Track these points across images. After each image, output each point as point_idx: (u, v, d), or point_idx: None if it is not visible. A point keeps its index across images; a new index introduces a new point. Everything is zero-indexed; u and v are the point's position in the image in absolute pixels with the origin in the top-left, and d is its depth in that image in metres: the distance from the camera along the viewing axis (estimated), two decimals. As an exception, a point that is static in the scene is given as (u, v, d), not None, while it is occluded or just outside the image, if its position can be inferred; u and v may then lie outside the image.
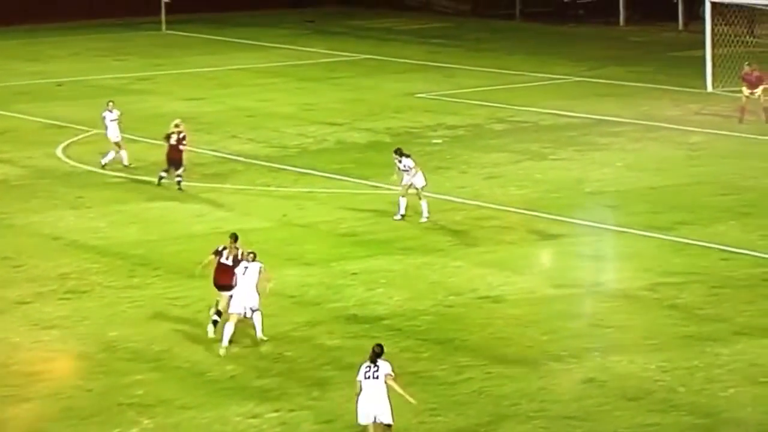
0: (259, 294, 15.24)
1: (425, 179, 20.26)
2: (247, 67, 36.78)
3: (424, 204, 20.05)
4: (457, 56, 37.87)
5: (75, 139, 27.14)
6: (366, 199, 21.60)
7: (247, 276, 15.32)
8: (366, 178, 22.99)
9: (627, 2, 45.46)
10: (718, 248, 18.56)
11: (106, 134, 24.62)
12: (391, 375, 12.51)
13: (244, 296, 15.29)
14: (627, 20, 45.05)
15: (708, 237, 19.11)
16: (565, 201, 21.40)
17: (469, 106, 30.17)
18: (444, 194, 21.73)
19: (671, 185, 22.41)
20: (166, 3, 43.61)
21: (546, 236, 19.45)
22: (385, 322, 15.92)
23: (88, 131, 27.47)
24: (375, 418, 12.45)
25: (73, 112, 30.05)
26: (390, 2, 49.89)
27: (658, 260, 18.02)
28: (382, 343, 12.74)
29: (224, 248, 15.82)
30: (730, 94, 29.35)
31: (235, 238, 15.85)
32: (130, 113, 29.80)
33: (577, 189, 22.29)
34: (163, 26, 44.13)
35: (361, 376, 12.61)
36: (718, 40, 31.27)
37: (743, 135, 26.34)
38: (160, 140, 23.52)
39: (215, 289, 15.61)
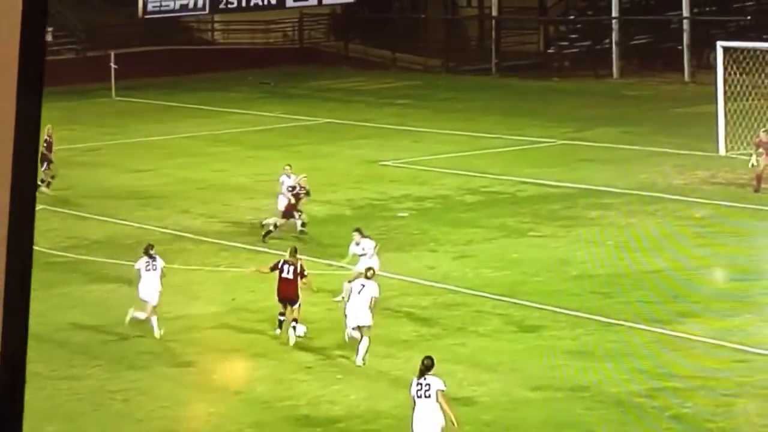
0: (371, 314, 16.60)
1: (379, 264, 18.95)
2: (198, 134, 36.41)
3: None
4: (426, 118, 36.78)
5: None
6: (324, 281, 20.64)
7: (362, 295, 16.73)
8: (324, 257, 21.98)
9: (621, 51, 42.24)
10: (730, 346, 16.44)
11: None
12: (442, 391, 13.13)
13: (357, 314, 16.74)
14: (621, 71, 42.13)
15: (718, 333, 16.93)
16: (547, 286, 19.86)
17: (439, 174, 28.90)
18: (410, 276, 20.78)
19: (673, 268, 19.92)
20: (115, 69, 43.42)
21: (524, 327, 18.03)
22: (340, 424, 15.10)
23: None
24: None
25: (15, 187, 29.51)
26: (353, 60, 49.79)
27: (658, 360, 16.05)
28: (432, 357, 13.22)
29: (285, 262, 17.44)
30: (746, 157, 25.83)
31: (294, 250, 17.81)
32: (76, 188, 29.44)
33: (560, 271, 20.58)
34: (113, 93, 43.89)
35: (413, 392, 13.26)
36: (732, 92, 27.46)
37: (761, 207, 23.55)
38: (104, 217, 23.07)
39: (280, 304, 17.62)
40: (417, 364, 13.90)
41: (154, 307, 18.19)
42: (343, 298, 18.46)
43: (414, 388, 13.17)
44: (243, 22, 50.77)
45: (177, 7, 37.64)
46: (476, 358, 16.90)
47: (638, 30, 44.98)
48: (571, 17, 48.27)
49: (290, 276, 17.40)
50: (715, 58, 29.62)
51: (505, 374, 16.23)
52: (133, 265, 19.15)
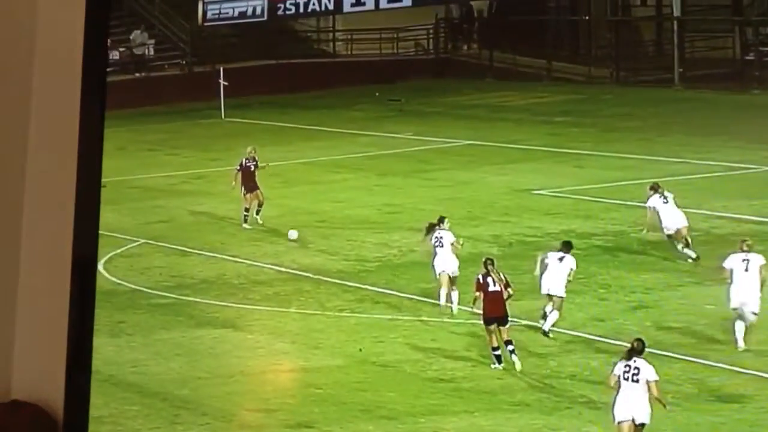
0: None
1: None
2: (317, 159, 36.58)
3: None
4: (591, 138, 35.99)
5: (118, 251, 27.07)
6: (465, 331, 20.42)
7: (563, 264, 19.54)
8: (466, 303, 21.15)
9: None
10: None
11: None
12: (656, 381, 14.48)
13: (552, 284, 19.70)
14: None
15: None
16: (752, 345, 18.84)
17: (608, 206, 27.97)
18: (573, 329, 20.21)
19: None
20: (224, 85, 44.08)
21: (723, 396, 17.21)
22: None
23: (134, 241, 27.45)
24: (633, 419, 14.32)
25: (116, 219, 30.01)
26: (499, 71, 49.49)
27: None
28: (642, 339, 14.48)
29: (486, 274, 18.29)
30: None
31: (491, 261, 18.77)
32: (177, 219, 29.84)
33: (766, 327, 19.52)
34: (222, 112, 44.55)
35: (619, 373, 14.57)
36: None
37: None
38: (211, 252, 23.29)
39: (487, 326, 18.26)
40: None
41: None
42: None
43: (620, 369, 14.64)
44: (368, 31, 51.12)
45: (236, 14, 39.16)
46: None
47: None
48: (774, 17, 46.87)
49: (498, 288, 18.29)
50: None
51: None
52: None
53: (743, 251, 19.72)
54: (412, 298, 22.69)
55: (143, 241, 27.28)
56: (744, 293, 19.18)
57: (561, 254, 20.08)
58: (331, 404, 15.83)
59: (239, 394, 18.47)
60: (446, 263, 21.72)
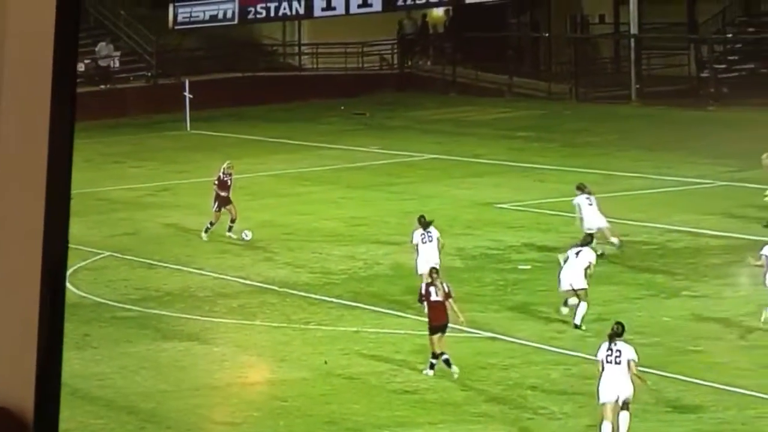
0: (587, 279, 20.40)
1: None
2: (283, 172, 36.53)
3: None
4: (551, 153, 36.17)
5: (83, 263, 26.91)
6: (421, 342, 20.34)
7: (580, 258, 20.66)
8: (423, 315, 20.94)
9: None
10: None
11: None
12: (635, 362, 15.31)
13: (572, 279, 20.58)
14: None
15: None
16: (709, 357, 19.00)
17: (568, 220, 27.44)
18: (534, 341, 20.32)
19: None
20: (189, 98, 43.97)
21: (681, 407, 17.23)
22: None
23: (99, 254, 27.28)
24: (617, 399, 15.27)
25: (81, 231, 29.76)
26: (461, 86, 49.66)
27: None
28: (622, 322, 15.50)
29: (430, 284, 18.67)
30: None
31: (436, 270, 19.21)
32: (142, 232, 29.70)
33: (725, 340, 19.71)
34: (188, 125, 44.42)
35: (601, 356, 15.46)
36: None
37: None
38: (176, 265, 23.22)
39: (431, 336, 18.56)
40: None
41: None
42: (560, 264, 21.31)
43: (603, 353, 15.51)
44: (334, 45, 51.13)
45: (207, 17, 39.24)
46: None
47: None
48: (729, 35, 47.08)
49: (441, 298, 18.66)
50: None
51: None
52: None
53: None
54: (377, 311, 22.68)
55: (108, 253, 27.12)
56: None
57: (578, 248, 21.18)
58: (297, 417, 15.77)
59: (205, 407, 18.37)
60: (432, 260, 22.21)
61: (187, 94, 44.20)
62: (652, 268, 23.82)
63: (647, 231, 25.57)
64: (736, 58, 45.97)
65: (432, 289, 18.86)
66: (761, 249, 20.95)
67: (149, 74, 50.32)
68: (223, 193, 28.40)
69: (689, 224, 27.25)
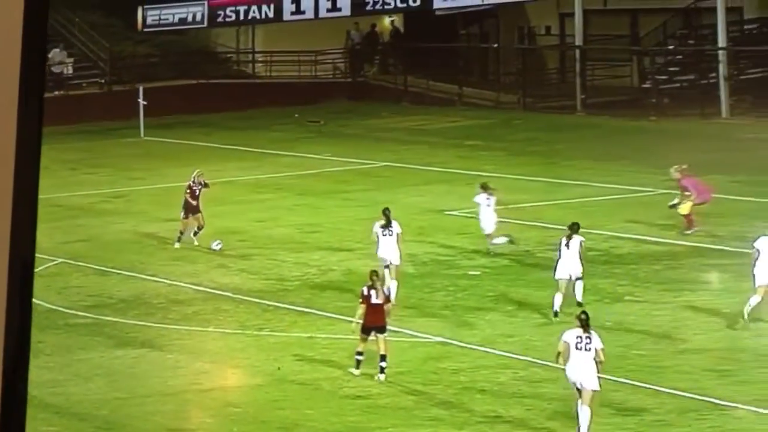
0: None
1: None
2: (237, 179, 36.48)
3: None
4: (500, 162, 36.52)
5: (36, 270, 26.66)
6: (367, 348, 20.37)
7: (571, 248, 21.63)
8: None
9: (731, 86, 41.05)
10: None
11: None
12: (603, 350, 16.07)
13: (570, 268, 21.56)
14: (732, 110, 41.02)
15: None
16: (650, 361, 19.23)
17: (517, 227, 28.21)
18: (483, 345, 20.47)
19: None
20: (144, 105, 43.83)
21: (625, 410, 17.44)
22: None
23: (52, 261, 27.15)
24: (581, 384, 15.89)
25: (32, 238, 29.77)
26: (413, 95, 49.80)
27: None
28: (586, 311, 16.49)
29: (371, 287, 18.88)
30: None
31: (376, 273, 19.40)
32: (99, 239, 29.58)
33: (666, 344, 20.02)
34: (142, 131, 44.25)
35: (570, 340, 16.11)
36: None
37: None
38: (130, 272, 23.18)
39: (362, 334, 18.80)
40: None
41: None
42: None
43: (574, 339, 16.17)
44: (288, 53, 51.13)
45: (176, 20, 39.15)
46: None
47: (751, 63, 44.27)
48: (670, 47, 47.66)
49: (380, 301, 19.00)
50: None
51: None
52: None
53: None
54: (330, 317, 22.70)
55: (61, 260, 26.98)
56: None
57: (567, 239, 22.04)
58: (251, 423, 15.77)
59: (159, 413, 18.31)
60: (392, 253, 22.96)
61: (141, 100, 44.05)
62: (597, 274, 24.00)
63: (592, 238, 25.79)
64: (677, 69, 46.58)
65: (372, 292, 19.12)
66: (754, 241, 21.52)
67: (103, 81, 50.10)
68: (193, 202, 28.34)
69: (632, 231, 27.55)
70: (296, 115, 47.42)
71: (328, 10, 35.36)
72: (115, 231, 30.39)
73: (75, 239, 29.37)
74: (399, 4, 32.40)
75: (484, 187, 26.79)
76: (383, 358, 19.01)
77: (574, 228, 22.11)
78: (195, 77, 50.13)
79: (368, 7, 35.53)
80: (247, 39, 52.61)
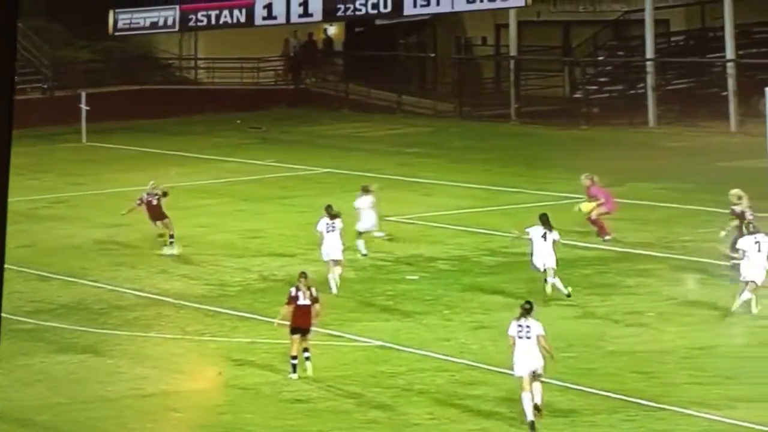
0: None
1: None
2: (180, 185, 36.24)
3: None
4: (438, 169, 36.76)
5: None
6: (322, 354, 20.43)
7: (547, 240, 22.74)
8: (324, 326, 21.29)
9: (658, 96, 41.81)
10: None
11: None
12: (543, 336, 16.67)
13: (545, 258, 23.01)
14: (658, 120, 41.89)
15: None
16: (580, 363, 19.46)
17: (453, 233, 28.55)
18: (421, 348, 20.60)
19: (726, 345, 20.17)
20: (86, 110, 43.60)
21: (555, 411, 17.55)
22: None
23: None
24: (532, 372, 16.51)
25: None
26: (354, 103, 49.96)
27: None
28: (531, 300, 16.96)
29: (298, 289, 19.05)
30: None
31: (304, 275, 19.39)
32: (40, 244, 29.42)
33: (595, 347, 20.28)
34: (84, 137, 44.01)
35: (513, 332, 16.83)
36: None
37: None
38: (71, 277, 23.07)
39: (292, 335, 19.00)
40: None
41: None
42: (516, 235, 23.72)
43: (515, 329, 16.82)
44: (230, 60, 51.06)
45: (147, 24, 39.02)
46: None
47: (677, 74, 45.06)
48: (600, 58, 48.37)
49: (308, 302, 19.22)
50: (765, 105, 29.55)
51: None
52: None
53: (751, 233, 22.11)
54: (271, 322, 22.70)
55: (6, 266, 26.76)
56: (755, 269, 21.46)
57: (543, 231, 22.95)
58: (192, 428, 15.79)
59: (100, 419, 18.26)
60: (335, 249, 23.77)
61: (83, 106, 43.83)
62: (530, 278, 24.24)
63: (525, 243, 25.88)
64: (607, 80, 47.24)
65: (300, 293, 19.28)
66: (738, 243, 22.28)
67: (45, 86, 49.77)
68: (155, 210, 28.11)
69: (564, 237, 27.66)
70: (238, 122, 47.38)
71: (300, 16, 35.36)
72: (57, 236, 30.24)
73: (16, 245, 29.04)
74: (370, 10, 32.53)
75: (365, 189, 27.46)
76: (306, 350, 19.40)
77: (545, 220, 23.29)
78: (137, 83, 49.92)
79: (339, 14, 35.58)
80: (190, 45, 52.48)
